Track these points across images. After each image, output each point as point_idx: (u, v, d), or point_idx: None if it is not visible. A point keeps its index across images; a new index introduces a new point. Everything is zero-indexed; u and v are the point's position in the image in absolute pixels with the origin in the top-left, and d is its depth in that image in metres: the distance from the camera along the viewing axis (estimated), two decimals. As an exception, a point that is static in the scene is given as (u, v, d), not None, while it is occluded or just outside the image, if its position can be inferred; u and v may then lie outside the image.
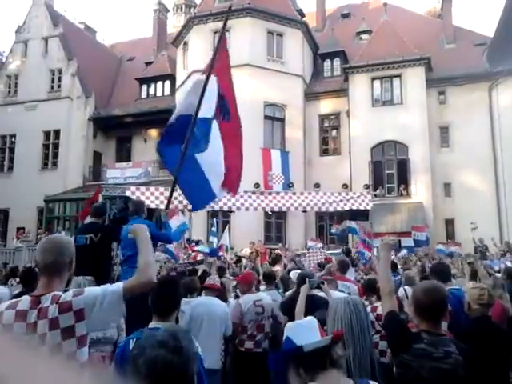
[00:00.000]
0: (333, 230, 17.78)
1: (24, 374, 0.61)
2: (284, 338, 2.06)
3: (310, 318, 2.22)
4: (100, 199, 11.09)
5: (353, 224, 13.87)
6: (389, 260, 3.14)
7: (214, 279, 5.28)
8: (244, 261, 12.53)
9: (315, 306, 3.98)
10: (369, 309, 4.68)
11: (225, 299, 5.55)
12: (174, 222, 10.14)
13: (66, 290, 2.19)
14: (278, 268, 9.06)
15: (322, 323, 2.84)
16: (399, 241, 16.27)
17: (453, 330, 3.14)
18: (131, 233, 2.53)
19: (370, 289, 5.12)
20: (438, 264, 5.78)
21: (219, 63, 4.90)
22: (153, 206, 9.39)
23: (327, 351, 1.97)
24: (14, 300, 2.17)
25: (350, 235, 18.43)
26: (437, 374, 2.32)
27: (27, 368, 0.62)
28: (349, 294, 4.95)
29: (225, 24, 5.15)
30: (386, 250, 3.05)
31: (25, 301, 2.09)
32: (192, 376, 1.44)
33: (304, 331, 2.02)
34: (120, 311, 2.13)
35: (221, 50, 5.10)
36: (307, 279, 4.56)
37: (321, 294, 4.61)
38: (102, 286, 2.21)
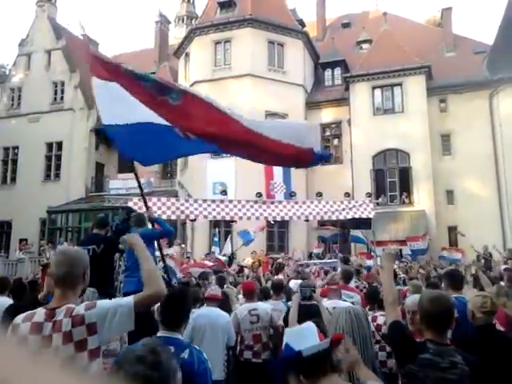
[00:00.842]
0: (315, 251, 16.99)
1: (25, 377, 0.61)
2: (283, 344, 2.02)
3: (308, 323, 2.18)
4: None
5: (356, 232, 13.87)
6: (392, 270, 3.13)
7: (215, 289, 5.25)
8: (246, 270, 12.48)
9: (309, 315, 3.97)
10: (369, 318, 4.66)
11: (228, 309, 5.51)
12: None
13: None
14: (280, 277, 9.04)
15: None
16: (400, 250, 16.25)
17: (458, 338, 3.11)
18: (122, 243, 2.52)
19: (371, 298, 5.09)
20: (452, 270, 5.81)
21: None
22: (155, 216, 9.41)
23: (327, 355, 1.93)
24: (29, 312, 2.17)
25: (352, 244, 18.43)
26: (442, 385, 2.30)
27: (28, 372, 0.63)
28: (352, 303, 4.94)
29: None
30: (389, 260, 3.05)
31: (40, 313, 2.10)
32: None
33: (303, 337, 1.98)
34: (131, 324, 2.13)
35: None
36: (299, 288, 4.55)
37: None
38: (112, 299, 2.20)
